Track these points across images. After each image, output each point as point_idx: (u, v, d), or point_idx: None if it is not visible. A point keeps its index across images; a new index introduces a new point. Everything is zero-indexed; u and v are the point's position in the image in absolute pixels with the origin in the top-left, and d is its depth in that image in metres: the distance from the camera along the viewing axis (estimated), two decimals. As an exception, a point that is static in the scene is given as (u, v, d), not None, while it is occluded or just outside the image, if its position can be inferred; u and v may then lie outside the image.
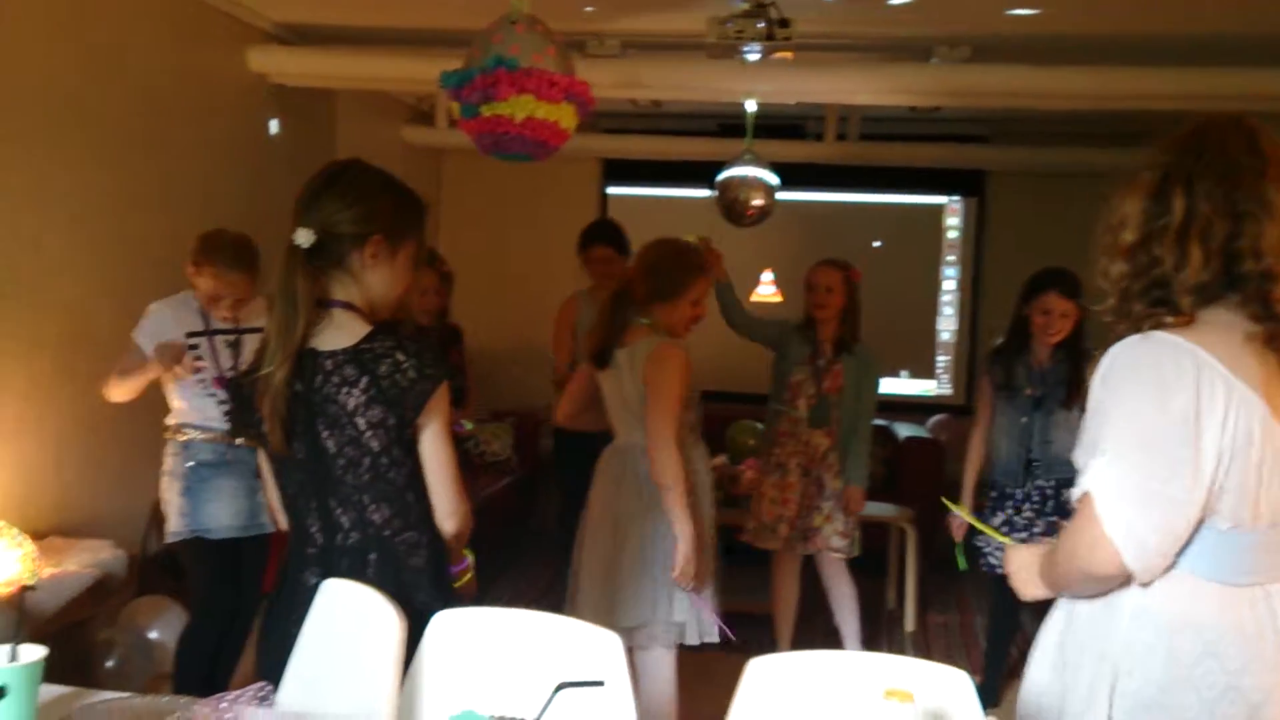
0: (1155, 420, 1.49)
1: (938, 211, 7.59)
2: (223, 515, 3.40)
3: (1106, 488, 1.52)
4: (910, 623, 5.13)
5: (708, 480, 3.25)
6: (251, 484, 3.44)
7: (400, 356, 1.93)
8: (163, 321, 3.39)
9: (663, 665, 3.11)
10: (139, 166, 4.35)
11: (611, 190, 7.81)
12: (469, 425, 4.37)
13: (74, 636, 3.55)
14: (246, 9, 5.03)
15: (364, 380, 1.91)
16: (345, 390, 1.91)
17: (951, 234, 7.58)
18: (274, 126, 5.41)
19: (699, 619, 3.10)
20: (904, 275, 7.40)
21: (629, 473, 3.15)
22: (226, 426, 3.35)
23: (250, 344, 3.39)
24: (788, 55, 4.82)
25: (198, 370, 3.36)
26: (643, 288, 3.19)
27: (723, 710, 1.63)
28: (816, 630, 4.57)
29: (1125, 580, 1.57)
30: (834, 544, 4.19)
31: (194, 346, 3.40)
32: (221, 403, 3.37)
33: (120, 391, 3.38)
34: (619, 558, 3.11)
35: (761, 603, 4.49)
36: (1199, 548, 1.54)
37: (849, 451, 4.19)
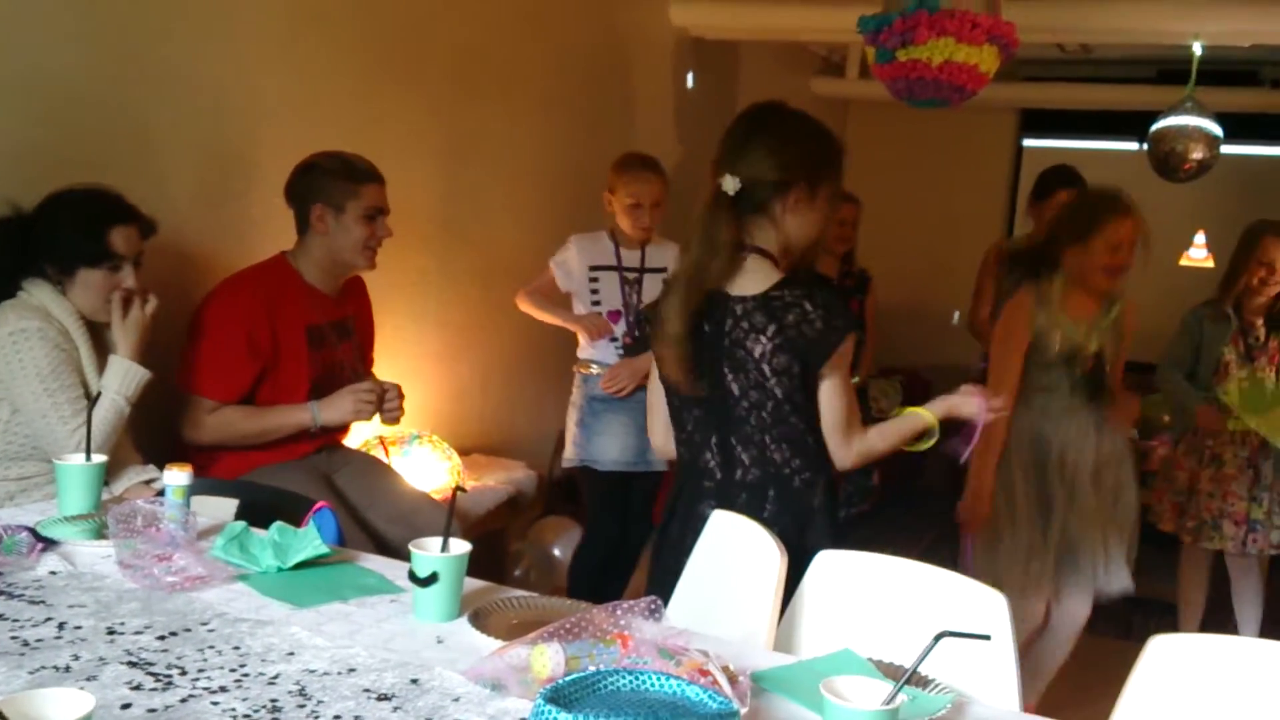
0: None
1: None
2: (611, 449, 3.52)
3: None
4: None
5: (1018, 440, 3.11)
6: (643, 423, 3.58)
7: (808, 306, 1.94)
8: (569, 255, 3.55)
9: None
10: (566, 118, 4.62)
11: (1029, 143, 7.43)
12: (854, 379, 4.29)
13: (490, 545, 3.91)
14: (668, -36, 5.20)
15: (771, 328, 1.94)
16: (753, 336, 1.95)
17: None
18: (692, 80, 5.58)
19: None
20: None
21: None
22: None
23: (651, 284, 3.47)
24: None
25: (608, 335, 3.47)
26: None
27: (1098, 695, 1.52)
28: (1216, 628, 4.13)
29: None
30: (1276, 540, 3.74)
31: (594, 279, 3.52)
32: (613, 339, 3.49)
33: (528, 309, 3.61)
34: None
35: (1157, 587, 4.10)
36: None
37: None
